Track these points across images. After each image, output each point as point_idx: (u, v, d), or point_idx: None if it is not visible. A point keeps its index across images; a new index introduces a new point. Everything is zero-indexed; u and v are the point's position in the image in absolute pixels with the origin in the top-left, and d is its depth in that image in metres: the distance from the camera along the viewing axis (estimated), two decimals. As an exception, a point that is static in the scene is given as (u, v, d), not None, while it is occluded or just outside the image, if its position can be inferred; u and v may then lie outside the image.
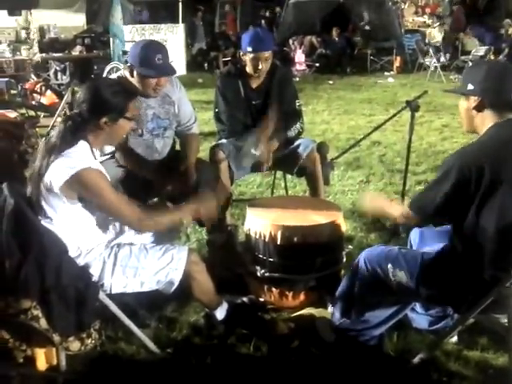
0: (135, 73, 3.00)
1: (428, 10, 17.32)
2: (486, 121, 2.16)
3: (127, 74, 3.05)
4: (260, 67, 3.48)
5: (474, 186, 2.03)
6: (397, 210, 2.39)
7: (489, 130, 2.15)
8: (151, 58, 2.93)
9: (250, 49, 3.45)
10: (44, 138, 2.40)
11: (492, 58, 12.67)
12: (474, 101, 2.17)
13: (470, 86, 2.18)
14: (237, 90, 3.61)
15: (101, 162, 2.62)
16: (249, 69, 3.53)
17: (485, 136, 2.16)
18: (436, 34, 13.80)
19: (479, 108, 2.16)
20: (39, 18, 11.79)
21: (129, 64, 3.02)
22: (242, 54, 3.55)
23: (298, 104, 3.77)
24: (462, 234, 2.15)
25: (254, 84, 3.63)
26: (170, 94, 3.21)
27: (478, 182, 2.02)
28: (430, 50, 12.66)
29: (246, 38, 3.51)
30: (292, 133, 3.68)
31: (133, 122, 2.49)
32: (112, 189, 2.32)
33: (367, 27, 14.66)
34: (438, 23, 14.15)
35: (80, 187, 2.25)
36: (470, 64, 8.57)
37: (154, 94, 3.07)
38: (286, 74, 3.82)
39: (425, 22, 16.87)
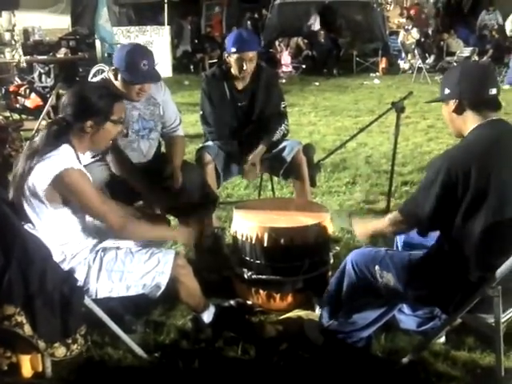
0: (119, 77, 2.98)
1: (412, 12, 17.41)
2: (468, 122, 2.17)
3: (111, 76, 3.03)
4: (245, 68, 3.47)
5: (461, 189, 2.03)
6: (382, 221, 2.37)
7: (473, 132, 2.15)
8: (136, 63, 2.90)
9: (234, 49, 3.45)
10: (28, 142, 2.37)
11: (476, 58, 12.80)
12: (452, 104, 2.18)
13: (447, 91, 2.19)
14: (222, 92, 3.60)
15: (86, 165, 2.60)
16: (234, 70, 3.52)
17: (469, 138, 2.16)
18: (414, 35, 13.90)
19: (459, 110, 2.17)
20: (23, 20, 11.66)
21: (113, 67, 2.99)
22: (226, 55, 3.54)
23: (283, 106, 3.77)
24: (449, 235, 2.16)
25: (240, 86, 3.62)
26: (155, 95, 3.19)
27: (466, 184, 2.02)
28: (416, 51, 12.75)
29: (231, 39, 3.51)
30: (277, 136, 3.68)
31: (120, 125, 2.47)
32: (94, 190, 2.31)
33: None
34: (411, 25, 14.21)
35: (62, 188, 2.22)
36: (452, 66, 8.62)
37: (136, 99, 3.06)
38: (271, 75, 3.81)
39: (409, 23, 16.96)
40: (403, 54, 13.59)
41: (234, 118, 3.65)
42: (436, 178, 2.07)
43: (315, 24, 14.74)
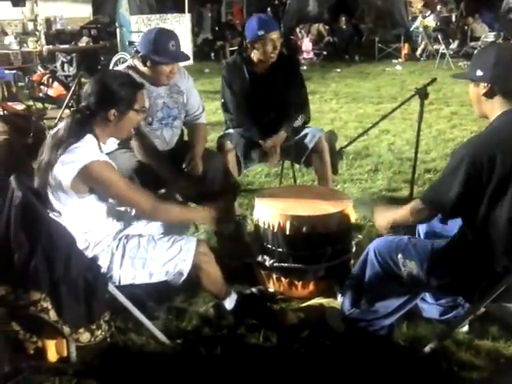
0: (148, 62, 2.98)
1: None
2: (496, 108, 2.12)
3: (138, 63, 3.03)
4: (273, 49, 3.43)
5: (486, 177, 1.99)
6: (403, 211, 2.33)
7: (498, 118, 2.11)
8: (165, 44, 2.93)
9: (261, 32, 3.40)
10: (51, 130, 2.39)
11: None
12: (483, 87, 2.12)
13: (479, 72, 2.12)
14: (243, 79, 3.58)
15: (110, 153, 2.61)
16: (261, 55, 3.48)
17: (495, 124, 2.12)
18: (431, 23, 13.69)
19: (489, 95, 2.12)
20: (45, 9, 11.77)
21: (141, 53, 2.99)
22: (250, 40, 3.49)
23: (304, 93, 3.74)
24: (473, 223, 2.12)
25: (260, 73, 3.60)
26: (178, 83, 3.20)
27: (490, 171, 1.98)
28: (439, 37, 12.55)
29: (253, 24, 3.46)
30: (298, 122, 3.66)
31: (141, 113, 2.48)
32: (122, 177, 2.32)
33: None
34: (429, 12, 13.98)
35: (89, 180, 2.24)
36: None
37: (166, 82, 3.07)
38: (292, 62, 3.78)
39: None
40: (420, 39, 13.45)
41: (255, 105, 3.62)
42: (460, 166, 2.03)
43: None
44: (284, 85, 3.62)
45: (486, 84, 2.11)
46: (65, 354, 2.36)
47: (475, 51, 10.60)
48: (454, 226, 2.29)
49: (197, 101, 3.35)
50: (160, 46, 2.94)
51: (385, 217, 2.47)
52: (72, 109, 2.51)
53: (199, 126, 3.36)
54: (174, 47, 2.96)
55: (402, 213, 2.35)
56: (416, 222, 2.41)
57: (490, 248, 2.10)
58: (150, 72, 3.01)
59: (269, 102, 3.64)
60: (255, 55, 3.53)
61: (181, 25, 12.60)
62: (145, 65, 2.99)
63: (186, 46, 12.32)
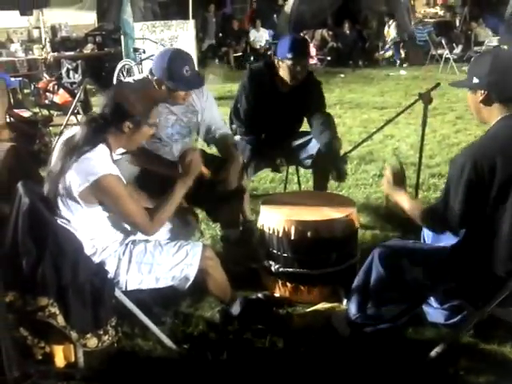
0: (163, 87, 2.92)
1: (439, 1, 17.15)
2: (494, 114, 2.13)
3: (155, 86, 2.98)
4: (298, 76, 3.40)
5: (487, 182, 2.00)
6: (415, 211, 2.31)
7: (497, 124, 2.11)
8: (179, 70, 2.85)
9: (290, 55, 3.36)
10: (58, 137, 2.40)
11: (506, 48, 12.54)
12: (480, 95, 2.13)
13: (476, 80, 2.14)
14: (264, 92, 3.53)
15: (116, 160, 2.62)
16: (285, 75, 3.44)
17: (493, 130, 2.13)
18: (392, 32, 13.77)
19: (487, 102, 2.13)
20: (50, 17, 11.83)
21: (156, 78, 2.93)
22: (278, 60, 3.43)
23: (326, 116, 3.66)
24: (477, 228, 2.13)
25: (283, 89, 3.55)
26: (194, 103, 3.16)
27: (492, 177, 1.99)
28: (443, 41, 12.55)
29: (286, 44, 3.41)
30: (324, 149, 3.53)
31: (154, 128, 2.49)
32: (128, 195, 2.32)
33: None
34: (392, 21, 14.01)
35: (99, 193, 2.26)
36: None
37: (183, 103, 3.03)
38: (316, 82, 3.71)
39: (436, 13, 16.72)
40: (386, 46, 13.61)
41: (271, 120, 3.58)
42: (461, 174, 2.04)
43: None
44: (305, 104, 3.60)
45: (483, 91, 2.12)
46: (72, 359, 2.38)
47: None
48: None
49: (215, 118, 3.26)
50: (174, 73, 2.86)
51: (399, 199, 2.43)
52: (87, 117, 2.50)
53: (223, 136, 3.25)
54: (189, 72, 2.88)
55: (412, 211, 2.33)
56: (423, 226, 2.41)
57: (494, 252, 2.10)
58: (166, 94, 2.98)
59: (286, 118, 3.62)
60: (280, 72, 3.47)
61: (185, 31, 12.62)
62: (160, 88, 2.96)
63: (191, 52, 12.34)
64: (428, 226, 2.29)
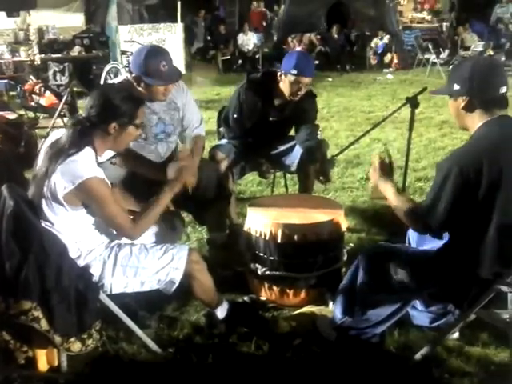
0: (142, 83, 2.92)
1: (427, 6, 17.28)
2: (476, 120, 2.14)
3: (134, 83, 2.98)
4: (300, 92, 3.38)
5: (473, 187, 2.02)
6: (401, 210, 2.27)
7: (480, 129, 2.13)
8: (156, 66, 2.85)
9: (294, 71, 3.32)
10: (44, 140, 2.38)
11: (491, 53, 12.68)
12: (462, 101, 2.15)
13: (457, 86, 2.15)
14: (259, 103, 3.50)
15: (102, 163, 2.61)
16: (285, 90, 3.41)
17: (477, 135, 2.14)
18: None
19: (468, 108, 2.15)
20: (37, 18, 11.75)
21: (134, 75, 2.93)
22: (281, 73, 3.40)
23: (318, 132, 3.66)
24: (462, 232, 2.15)
25: (279, 101, 3.53)
26: (175, 99, 3.16)
27: (477, 181, 2.01)
28: (429, 46, 12.65)
29: (291, 60, 3.37)
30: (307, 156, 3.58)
31: (140, 129, 2.48)
32: (113, 198, 2.31)
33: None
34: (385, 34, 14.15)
35: (84, 196, 2.24)
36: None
37: (162, 98, 3.03)
38: (311, 97, 3.67)
39: (424, 18, 16.84)
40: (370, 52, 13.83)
41: (262, 128, 3.56)
42: (447, 178, 2.05)
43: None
44: (297, 119, 3.60)
45: (464, 98, 2.14)
46: (56, 363, 2.36)
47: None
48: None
49: (194, 114, 3.28)
50: (151, 68, 2.86)
51: (385, 189, 2.39)
52: (73, 119, 2.49)
53: (196, 137, 3.29)
54: (166, 66, 2.88)
55: (397, 203, 2.29)
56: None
57: (478, 255, 2.12)
58: (144, 90, 2.98)
59: (276, 130, 3.62)
60: (281, 84, 3.44)
61: (173, 34, 12.62)
62: (139, 85, 2.95)
63: (179, 55, 12.34)
64: (411, 225, 2.28)
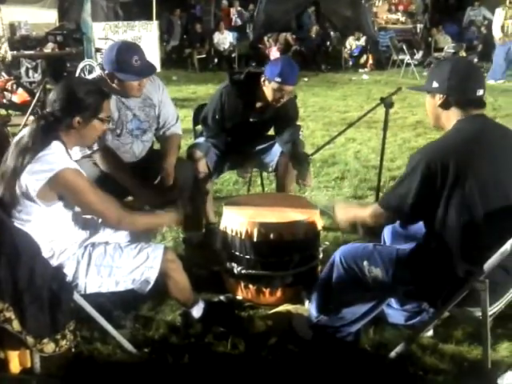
0: (115, 80, 2.90)
1: (401, 8, 17.46)
2: (451, 118, 2.20)
3: (108, 80, 2.95)
4: (282, 99, 3.37)
5: (440, 181, 2.06)
6: (364, 211, 2.38)
7: (454, 126, 2.18)
8: (128, 61, 2.84)
9: (279, 79, 3.29)
10: (16, 138, 2.34)
11: (464, 54, 12.88)
12: (439, 98, 2.21)
13: (435, 84, 2.21)
14: (240, 105, 3.49)
15: (76, 161, 2.58)
16: (269, 96, 3.38)
17: (450, 132, 2.20)
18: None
19: (445, 105, 2.20)
20: (9, 14, 11.55)
21: (106, 71, 2.91)
22: (265, 79, 3.36)
23: (299, 132, 3.68)
24: (433, 229, 2.17)
25: (259, 103, 3.51)
26: (151, 96, 3.14)
27: (444, 176, 2.05)
28: (404, 47, 12.79)
29: (277, 67, 3.32)
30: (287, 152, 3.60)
31: (106, 123, 2.45)
32: (92, 187, 2.28)
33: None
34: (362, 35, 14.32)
35: (59, 187, 2.21)
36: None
37: (137, 94, 3.00)
38: (291, 101, 3.63)
39: (398, 19, 17.01)
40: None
41: (241, 128, 3.55)
42: (416, 170, 2.10)
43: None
44: (277, 121, 3.61)
45: (441, 95, 2.19)
46: (28, 364, 2.32)
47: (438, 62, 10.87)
48: (418, 227, 2.34)
49: (170, 112, 3.27)
50: (123, 64, 2.84)
51: (345, 212, 2.52)
52: (37, 115, 2.45)
53: (173, 135, 3.27)
54: (139, 61, 2.86)
55: (362, 214, 2.40)
56: (376, 224, 2.46)
57: (449, 253, 2.15)
58: (118, 86, 2.95)
59: (255, 131, 3.62)
60: (264, 89, 3.41)
61: (148, 32, 12.54)
62: (112, 82, 2.93)
63: (154, 53, 12.26)
64: (381, 217, 2.32)
